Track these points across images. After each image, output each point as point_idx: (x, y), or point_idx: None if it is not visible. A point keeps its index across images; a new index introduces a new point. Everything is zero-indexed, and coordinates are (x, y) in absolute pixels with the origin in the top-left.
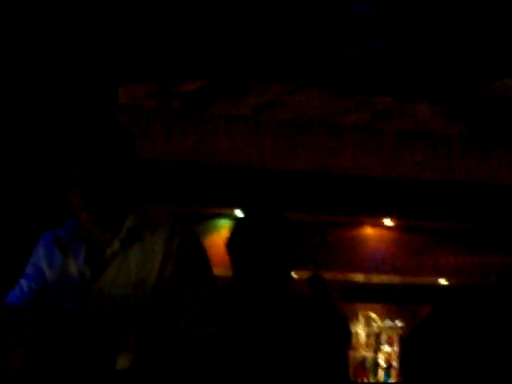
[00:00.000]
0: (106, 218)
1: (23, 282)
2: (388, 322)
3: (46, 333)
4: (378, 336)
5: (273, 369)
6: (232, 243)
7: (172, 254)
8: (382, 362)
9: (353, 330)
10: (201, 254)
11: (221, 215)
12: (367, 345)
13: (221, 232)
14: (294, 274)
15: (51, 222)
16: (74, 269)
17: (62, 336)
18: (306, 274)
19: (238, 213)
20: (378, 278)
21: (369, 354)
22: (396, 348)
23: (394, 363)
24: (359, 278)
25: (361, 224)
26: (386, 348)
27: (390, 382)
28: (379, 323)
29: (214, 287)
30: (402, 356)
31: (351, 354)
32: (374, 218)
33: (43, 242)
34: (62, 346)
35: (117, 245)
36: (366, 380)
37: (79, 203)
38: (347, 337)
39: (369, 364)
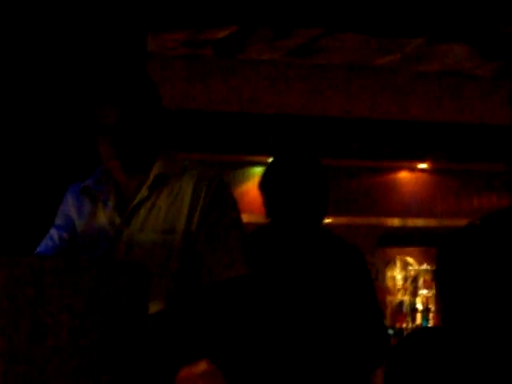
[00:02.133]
0: (134, 165)
1: (53, 232)
2: (425, 266)
3: (76, 279)
4: (415, 280)
5: (303, 308)
6: (265, 182)
7: (200, 198)
8: (419, 305)
9: (389, 275)
10: (229, 198)
11: (254, 163)
12: (404, 289)
13: (254, 180)
14: (329, 220)
15: (78, 173)
16: (103, 217)
17: (92, 282)
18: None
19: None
20: (413, 222)
21: (406, 298)
22: (434, 291)
23: (432, 307)
24: (395, 222)
25: (396, 168)
26: (424, 292)
27: (427, 325)
28: (416, 267)
29: (242, 231)
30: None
31: (388, 298)
32: (409, 162)
33: (71, 191)
34: (92, 293)
35: (145, 191)
36: (404, 324)
37: (108, 151)
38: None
39: (406, 308)
